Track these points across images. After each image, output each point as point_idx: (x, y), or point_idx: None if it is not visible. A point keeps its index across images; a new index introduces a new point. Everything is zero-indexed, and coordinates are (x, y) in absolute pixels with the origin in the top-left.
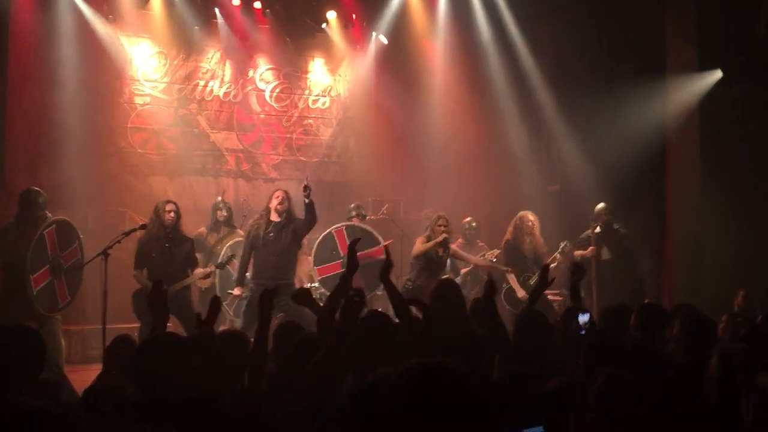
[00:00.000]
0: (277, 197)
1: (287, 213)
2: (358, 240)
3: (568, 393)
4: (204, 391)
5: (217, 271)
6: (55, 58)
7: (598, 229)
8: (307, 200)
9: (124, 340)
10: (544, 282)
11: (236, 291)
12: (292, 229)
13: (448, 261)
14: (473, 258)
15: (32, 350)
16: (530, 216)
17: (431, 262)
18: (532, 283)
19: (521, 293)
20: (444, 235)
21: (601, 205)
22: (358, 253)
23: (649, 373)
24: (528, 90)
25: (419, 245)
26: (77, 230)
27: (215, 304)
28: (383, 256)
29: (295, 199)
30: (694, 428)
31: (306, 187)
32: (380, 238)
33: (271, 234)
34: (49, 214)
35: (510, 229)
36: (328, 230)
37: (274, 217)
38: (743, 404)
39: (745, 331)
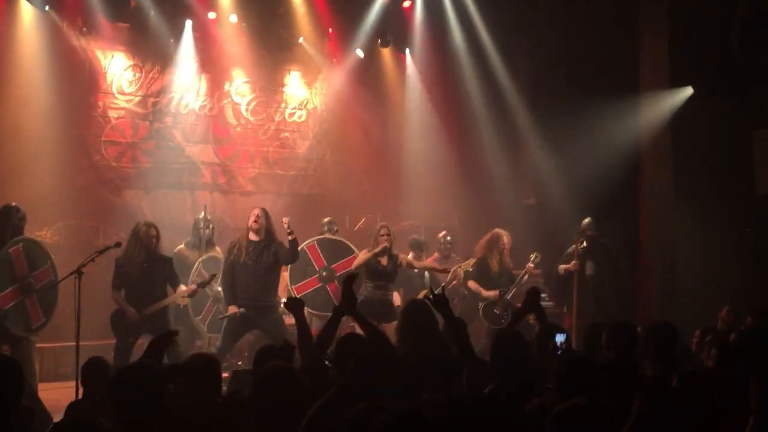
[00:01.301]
0: (253, 216)
1: (266, 231)
2: (355, 275)
3: (544, 415)
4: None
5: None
6: (29, 72)
7: (584, 244)
8: (290, 237)
9: (98, 364)
10: (531, 306)
11: (231, 309)
12: (274, 251)
13: (426, 275)
14: (426, 264)
15: (10, 379)
16: (505, 238)
17: (376, 272)
18: (508, 298)
19: (491, 293)
20: (383, 245)
21: (586, 220)
22: (333, 265)
23: (622, 393)
24: (504, 105)
25: (362, 256)
26: (47, 251)
27: (164, 342)
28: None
29: (272, 214)
30: None
31: (289, 227)
32: (354, 248)
33: (252, 255)
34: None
35: (483, 243)
36: (300, 247)
37: (252, 237)
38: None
39: (716, 351)
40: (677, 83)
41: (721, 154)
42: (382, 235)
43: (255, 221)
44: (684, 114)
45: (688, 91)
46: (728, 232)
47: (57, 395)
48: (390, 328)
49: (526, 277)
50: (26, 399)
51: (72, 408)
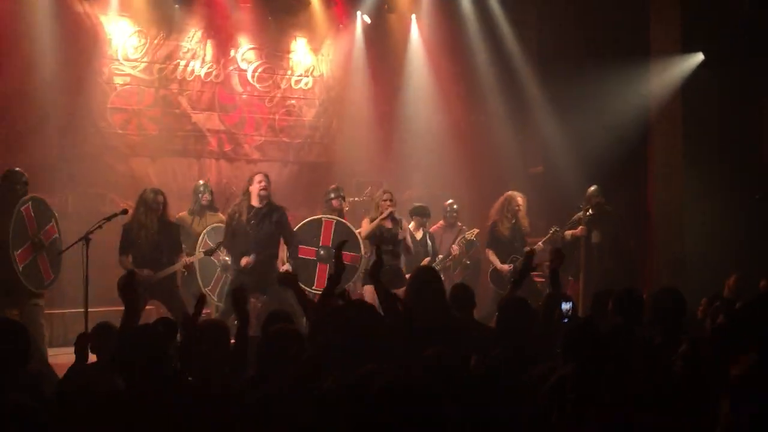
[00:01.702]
0: (260, 182)
1: (268, 199)
2: (344, 242)
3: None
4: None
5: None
6: (33, 38)
7: (589, 212)
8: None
9: (104, 328)
10: (528, 269)
11: (244, 261)
12: (276, 220)
13: (429, 244)
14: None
15: (17, 344)
16: (519, 199)
17: (382, 238)
18: (518, 265)
19: (506, 268)
20: (390, 209)
21: (592, 188)
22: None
23: (627, 358)
24: (512, 72)
25: (366, 225)
26: (52, 209)
27: (202, 302)
28: (358, 264)
29: (276, 182)
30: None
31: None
32: (362, 249)
33: (253, 221)
34: None
35: (495, 207)
36: (319, 216)
37: (255, 202)
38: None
39: (723, 318)
40: (688, 49)
41: (732, 122)
42: (385, 200)
43: (263, 189)
44: (694, 81)
45: (699, 57)
46: (737, 201)
47: (66, 360)
48: (399, 294)
49: (540, 248)
50: (35, 363)
51: (72, 372)
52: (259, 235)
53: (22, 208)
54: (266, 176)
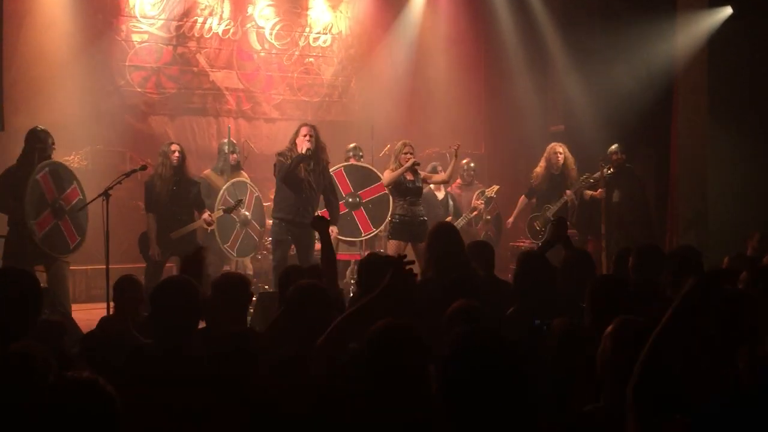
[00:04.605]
0: (305, 134)
1: (314, 152)
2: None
3: (572, 333)
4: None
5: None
6: None
7: (610, 170)
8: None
9: (129, 281)
10: (557, 237)
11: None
12: (322, 170)
13: (450, 203)
14: (441, 175)
15: (28, 294)
16: (558, 148)
17: (405, 190)
18: (549, 214)
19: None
20: (413, 159)
21: (614, 146)
22: (360, 192)
23: (646, 315)
24: (533, 27)
25: (388, 174)
26: (73, 172)
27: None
28: (384, 192)
29: None
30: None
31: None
32: (379, 174)
33: (298, 172)
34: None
35: (542, 162)
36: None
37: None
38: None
39: (746, 274)
40: (716, 3)
41: (760, 78)
42: (406, 153)
43: (309, 140)
44: (722, 36)
45: (727, 11)
46: (762, 159)
47: (89, 316)
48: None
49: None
50: (59, 317)
51: (104, 321)
52: (303, 185)
53: (38, 176)
54: (313, 127)
